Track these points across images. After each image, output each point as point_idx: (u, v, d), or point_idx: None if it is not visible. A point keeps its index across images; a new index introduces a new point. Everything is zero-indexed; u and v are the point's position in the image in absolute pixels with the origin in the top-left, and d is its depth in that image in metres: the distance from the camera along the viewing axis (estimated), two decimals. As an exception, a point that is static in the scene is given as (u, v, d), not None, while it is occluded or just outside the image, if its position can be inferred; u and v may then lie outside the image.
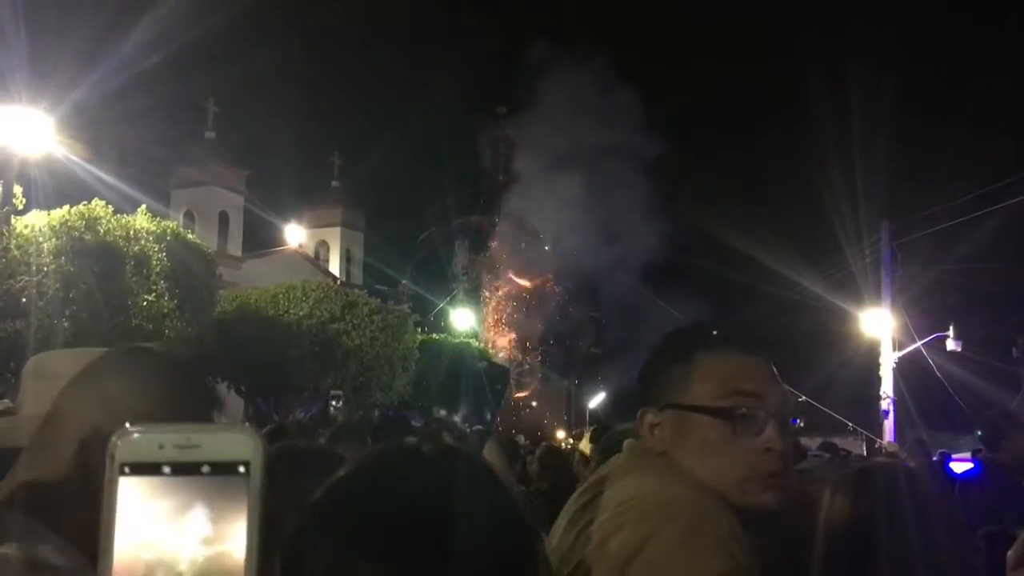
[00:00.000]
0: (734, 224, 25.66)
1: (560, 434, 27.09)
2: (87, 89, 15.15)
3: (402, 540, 0.77)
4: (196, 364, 1.27)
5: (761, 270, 23.18)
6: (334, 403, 18.81)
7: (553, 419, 31.38)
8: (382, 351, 18.80)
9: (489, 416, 21.98)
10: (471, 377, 21.86)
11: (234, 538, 0.58)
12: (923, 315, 20.96)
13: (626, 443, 1.56)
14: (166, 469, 0.59)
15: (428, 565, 0.76)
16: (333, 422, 13.39)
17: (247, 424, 0.63)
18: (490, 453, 4.86)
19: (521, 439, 16.74)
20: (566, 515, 1.46)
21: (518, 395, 32.26)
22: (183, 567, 0.58)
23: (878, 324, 20.79)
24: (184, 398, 1.20)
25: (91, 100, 15.48)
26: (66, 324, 11.76)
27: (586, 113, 31.43)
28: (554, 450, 6.28)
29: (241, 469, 0.60)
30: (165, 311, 13.17)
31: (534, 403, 32.63)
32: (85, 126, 14.99)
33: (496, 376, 23.01)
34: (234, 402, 18.84)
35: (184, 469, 0.59)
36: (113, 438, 0.60)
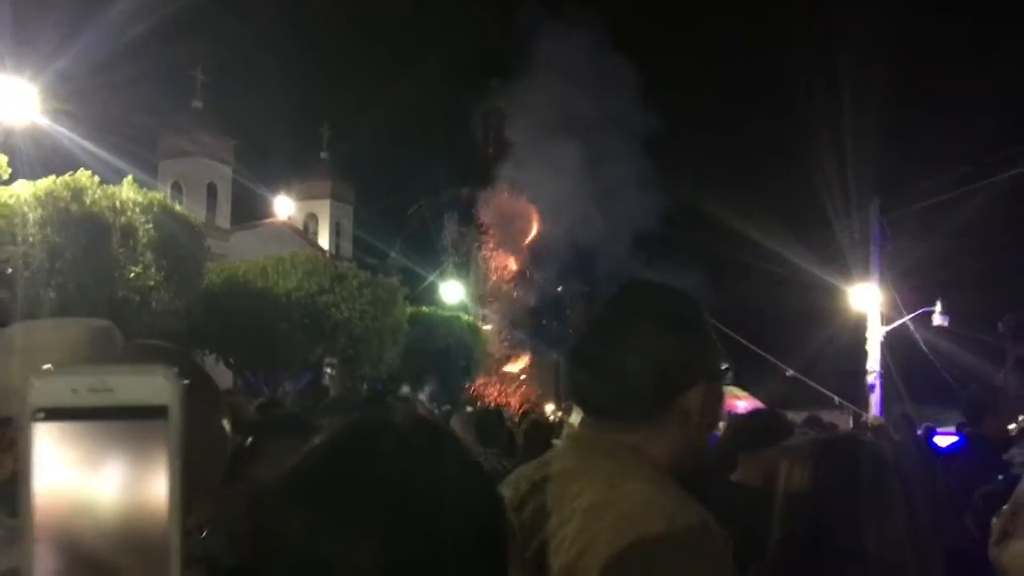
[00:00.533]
0: (723, 198, 25.66)
1: (549, 407, 27.21)
2: (72, 58, 14.98)
3: (372, 506, 0.78)
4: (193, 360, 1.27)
5: (750, 245, 23.23)
6: (329, 370, 18.82)
7: (544, 392, 31.50)
8: (371, 324, 18.78)
9: (455, 394, 21.99)
10: (437, 355, 21.78)
11: (155, 484, 0.57)
12: (911, 290, 21.10)
13: (574, 435, 1.52)
14: (80, 414, 0.58)
15: (397, 530, 0.77)
16: (326, 393, 13.42)
17: (164, 368, 0.61)
18: (455, 428, 4.91)
19: (508, 412, 16.82)
20: (515, 487, 1.45)
21: (507, 369, 32.35)
22: (103, 515, 0.57)
23: (866, 299, 20.89)
24: (195, 397, 1.18)
25: (76, 69, 15.31)
26: (52, 295, 11.70)
27: (577, 86, 31.25)
28: (540, 423, 6.33)
29: (159, 413, 0.58)
30: (152, 283, 13.10)
31: (523, 376, 32.73)
32: (70, 95, 14.84)
33: (461, 354, 22.99)
34: (222, 374, 18.84)
35: (99, 414, 0.58)
36: (28, 382, 0.58)
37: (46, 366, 0.62)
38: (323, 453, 0.84)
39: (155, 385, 0.59)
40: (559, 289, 34.41)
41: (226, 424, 1.21)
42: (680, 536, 1.25)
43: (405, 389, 18.64)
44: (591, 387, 1.45)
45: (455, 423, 5.22)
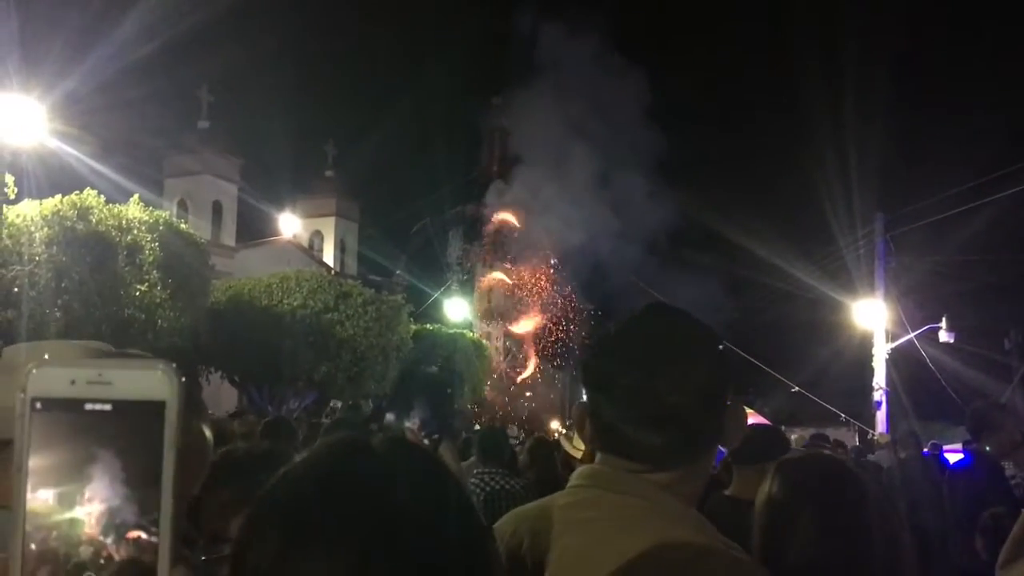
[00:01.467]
0: (729, 215, 25.69)
1: (554, 425, 27.14)
2: (80, 77, 15.08)
3: (348, 532, 0.76)
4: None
5: (755, 261, 23.23)
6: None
7: (549, 410, 31.43)
8: (376, 341, 18.78)
9: (443, 422, 21.80)
10: (422, 381, 21.57)
11: (151, 478, 0.58)
12: (916, 306, 21.03)
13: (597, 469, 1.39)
14: (78, 405, 0.58)
15: (374, 557, 0.75)
16: (332, 413, 13.35)
17: (164, 362, 0.61)
18: (444, 456, 4.90)
19: (514, 430, 16.76)
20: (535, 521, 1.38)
21: (517, 381, 32.32)
22: (97, 506, 0.57)
23: (871, 315, 20.84)
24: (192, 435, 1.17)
25: (84, 88, 15.41)
26: (58, 314, 11.73)
27: (582, 104, 31.38)
28: (543, 441, 6.31)
29: (157, 408, 0.58)
30: (158, 301, 13.14)
31: (528, 394, 32.67)
32: (78, 115, 14.92)
33: (449, 380, 22.79)
34: (227, 391, 18.83)
35: (96, 405, 0.58)
36: (26, 371, 0.58)
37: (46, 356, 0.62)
38: (298, 477, 0.82)
39: (154, 379, 0.59)
40: (565, 303, 34.37)
41: (207, 431, 1.20)
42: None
43: (389, 417, 18.54)
44: (639, 437, 1.31)
45: (444, 451, 5.19)
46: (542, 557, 1.33)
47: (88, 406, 0.58)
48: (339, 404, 18.87)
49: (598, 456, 1.39)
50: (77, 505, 0.57)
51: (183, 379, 0.61)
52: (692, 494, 1.35)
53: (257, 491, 0.84)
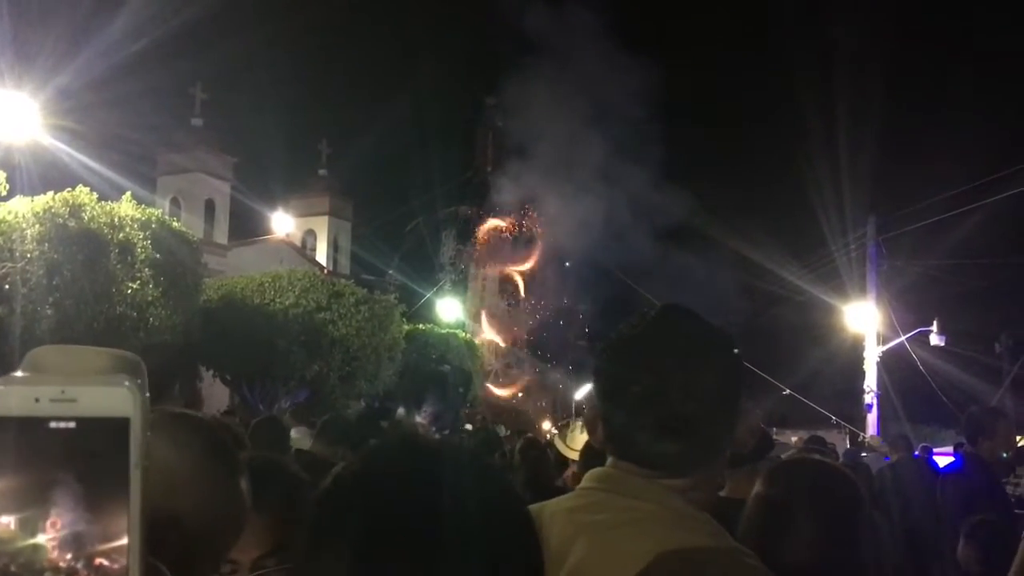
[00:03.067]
0: (720, 218, 25.74)
1: (546, 425, 27.15)
2: (72, 74, 15.05)
3: (419, 536, 0.77)
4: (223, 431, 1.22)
5: (747, 264, 23.31)
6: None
7: (542, 410, 31.46)
8: (368, 341, 18.75)
9: (452, 418, 21.81)
10: (431, 377, 21.56)
11: (116, 495, 0.56)
12: (907, 309, 21.12)
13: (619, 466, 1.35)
14: (42, 424, 0.56)
15: (447, 558, 0.76)
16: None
17: (127, 378, 0.59)
18: None
19: (502, 430, 16.75)
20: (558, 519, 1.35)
21: (506, 386, 32.32)
22: (63, 524, 0.55)
23: (863, 318, 20.91)
24: (216, 467, 1.16)
25: (76, 85, 15.38)
26: (50, 311, 11.68)
27: (576, 105, 31.42)
28: (534, 441, 6.31)
29: (121, 425, 0.57)
30: (150, 299, 13.09)
31: (521, 394, 32.69)
32: (70, 111, 14.90)
33: (460, 379, 22.80)
34: (219, 390, 18.79)
35: (60, 423, 0.56)
36: None
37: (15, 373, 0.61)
38: (357, 484, 0.82)
39: (118, 396, 0.58)
40: (560, 305, 34.41)
41: (243, 484, 1.17)
42: None
43: (400, 411, 18.49)
44: (651, 444, 1.29)
45: None
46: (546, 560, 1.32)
47: (52, 424, 0.56)
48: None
49: (609, 459, 1.37)
50: (40, 531, 0.55)
51: (147, 395, 0.59)
52: (705, 499, 1.33)
53: (258, 504, 0.83)
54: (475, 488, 0.81)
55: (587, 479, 1.39)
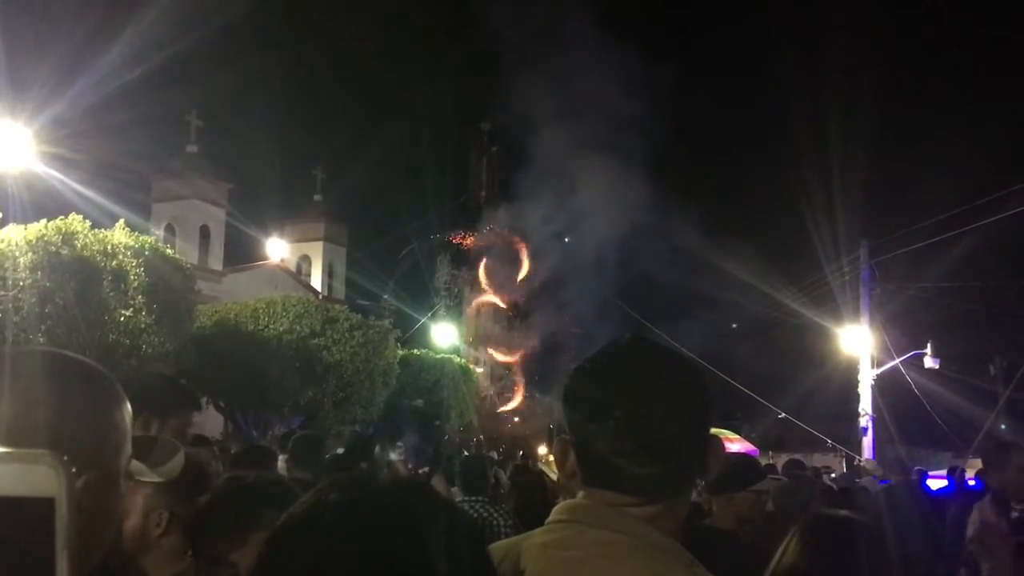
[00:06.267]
0: (714, 242, 25.77)
1: (542, 450, 27.03)
2: (67, 102, 15.11)
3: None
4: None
5: (741, 287, 23.30)
6: None
7: (536, 434, 31.34)
8: (363, 366, 18.72)
9: (432, 453, 21.57)
10: (408, 414, 21.30)
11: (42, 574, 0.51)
12: (901, 333, 21.16)
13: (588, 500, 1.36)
14: None
15: None
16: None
17: (49, 453, 0.54)
18: (439, 487, 4.88)
19: (494, 455, 16.68)
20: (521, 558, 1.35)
21: (501, 411, 32.22)
22: None
23: (857, 341, 20.94)
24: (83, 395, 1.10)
25: (71, 113, 15.44)
26: (42, 339, 11.65)
27: (569, 129, 31.54)
28: (524, 468, 6.32)
29: (44, 506, 0.51)
30: (143, 326, 13.07)
31: (516, 419, 32.58)
32: (64, 139, 14.94)
33: (436, 412, 22.57)
34: (213, 417, 18.70)
35: None
36: None
37: None
38: (306, 522, 0.81)
39: (38, 475, 0.52)
40: (554, 329, 34.38)
41: (128, 414, 1.13)
42: None
43: (376, 449, 18.33)
44: (632, 468, 1.30)
45: (436, 483, 5.17)
46: None
47: None
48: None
49: (580, 492, 1.37)
50: None
51: (73, 470, 0.54)
52: (674, 527, 1.33)
53: (262, 522, 0.81)
54: (425, 537, 0.79)
55: (557, 512, 1.39)
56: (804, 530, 1.93)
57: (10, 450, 0.56)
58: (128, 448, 1.13)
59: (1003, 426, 21.65)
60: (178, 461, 1.67)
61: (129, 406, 1.14)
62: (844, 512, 2.19)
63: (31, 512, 0.51)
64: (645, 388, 1.33)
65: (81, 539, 0.56)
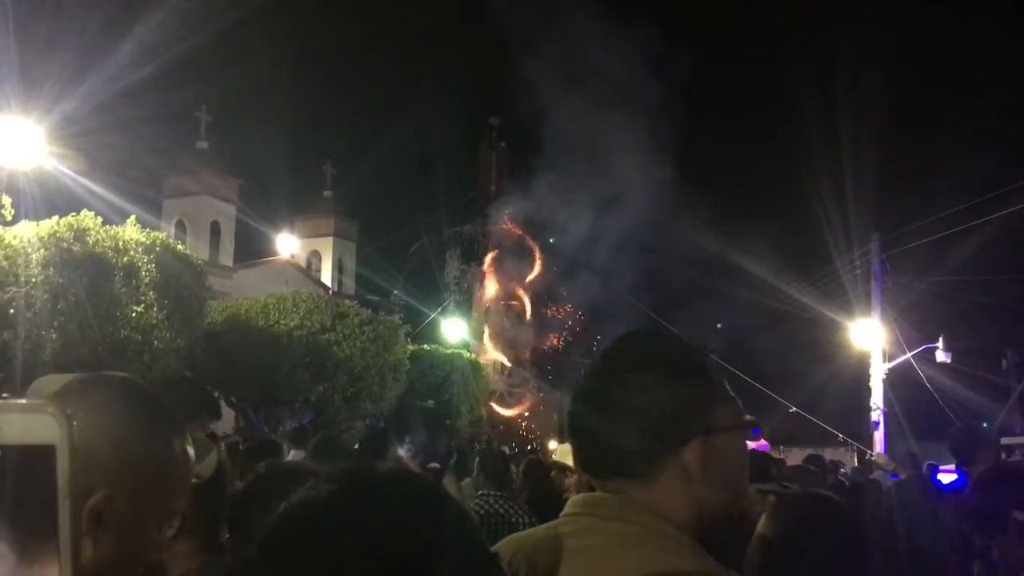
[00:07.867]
0: (725, 236, 25.72)
1: (552, 444, 27.06)
2: (78, 99, 15.18)
3: (357, 563, 0.75)
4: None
5: (752, 281, 23.26)
6: None
7: (547, 429, 31.37)
8: (373, 362, 18.77)
9: (443, 450, 21.60)
10: (418, 413, 21.29)
11: (46, 522, 0.55)
12: (913, 326, 21.06)
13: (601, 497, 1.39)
14: None
15: None
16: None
17: (51, 403, 0.57)
18: (449, 486, 4.88)
19: (506, 450, 16.72)
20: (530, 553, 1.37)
21: (512, 406, 32.25)
22: None
23: (868, 335, 20.85)
24: (144, 427, 1.12)
25: (82, 110, 15.51)
26: (54, 335, 11.73)
27: (580, 123, 31.49)
28: (537, 462, 6.33)
29: (47, 452, 0.55)
30: (154, 322, 13.13)
31: (527, 413, 32.61)
32: (75, 136, 15.00)
33: (446, 410, 22.62)
34: (225, 413, 18.78)
35: None
36: None
37: None
38: (304, 513, 0.81)
39: (42, 424, 0.56)
40: (565, 324, 34.38)
41: (189, 449, 1.15)
42: None
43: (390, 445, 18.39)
44: (583, 447, 1.40)
45: (447, 481, 5.18)
46: None
47: None
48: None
49: (594, 483, 1.41)
50: None
51: (74, 422, 0.57)
52: (686, 519, 1.33)
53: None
54: (434, 524, 0.79)
55: (571, 505, 1.42)
56: (776, 503, 2.02)
57: (15, 400, 0.59)
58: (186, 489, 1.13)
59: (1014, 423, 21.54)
60: (212, 460, 1.69)
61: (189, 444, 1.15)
62: (822, 492, 2.27)
63: (37, 459, 0.55)
64: (600, 373, 1.40)
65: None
